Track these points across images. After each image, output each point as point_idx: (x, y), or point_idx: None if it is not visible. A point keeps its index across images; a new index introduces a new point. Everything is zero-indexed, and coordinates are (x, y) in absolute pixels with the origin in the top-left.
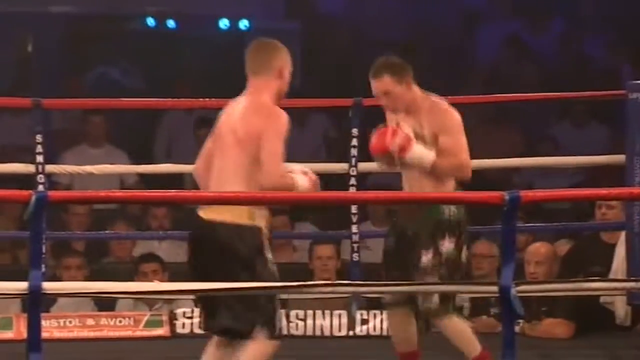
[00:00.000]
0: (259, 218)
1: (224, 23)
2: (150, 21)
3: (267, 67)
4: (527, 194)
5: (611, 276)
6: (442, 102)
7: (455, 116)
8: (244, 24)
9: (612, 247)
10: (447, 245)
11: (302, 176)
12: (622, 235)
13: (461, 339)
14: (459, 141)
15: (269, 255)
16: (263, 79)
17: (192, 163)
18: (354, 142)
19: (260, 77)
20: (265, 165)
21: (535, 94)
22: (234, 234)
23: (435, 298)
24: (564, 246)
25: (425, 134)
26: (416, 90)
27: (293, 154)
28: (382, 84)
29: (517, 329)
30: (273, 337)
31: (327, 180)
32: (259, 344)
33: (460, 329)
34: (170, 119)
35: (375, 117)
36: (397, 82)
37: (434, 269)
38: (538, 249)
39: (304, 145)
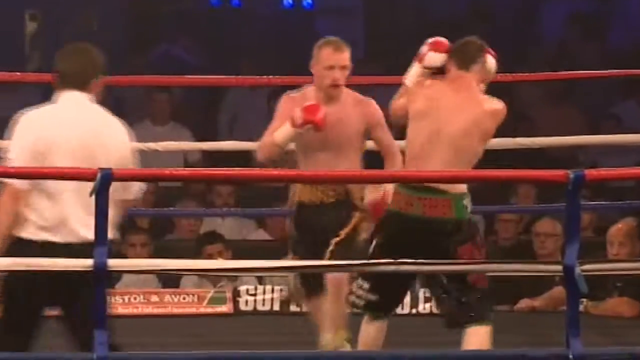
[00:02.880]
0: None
1: (287, 1)
2: None
3: None
4: (591, 173)
5: None
6: None
7: None
8: (307, 1)
9: None
10: None
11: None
12: None
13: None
14: None
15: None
16: None
17: (256, 139)
18: None
19: None
20: None
21: (600, 71)
22: None
23: None
24: (629, 224)
25: None
26: None
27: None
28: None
29: (580, 307)
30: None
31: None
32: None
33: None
34: (234, 96)
35: None
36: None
37: None
38: (620, 229)
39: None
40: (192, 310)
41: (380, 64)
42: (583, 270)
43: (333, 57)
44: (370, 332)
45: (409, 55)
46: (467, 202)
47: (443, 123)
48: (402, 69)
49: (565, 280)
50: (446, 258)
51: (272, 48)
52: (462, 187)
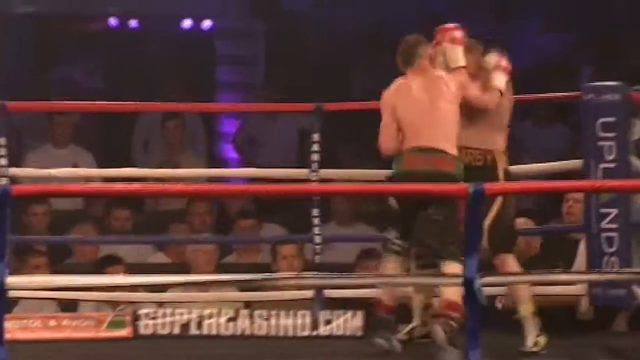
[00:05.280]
0: None
1: (186, 23)
2: (113, 21)
3: None
4: (491, 187)
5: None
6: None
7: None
8: (207, 24)
9: (576, 243)
10: None
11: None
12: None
13: None
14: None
15: None
16: None
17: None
18: (315, 147)
19: None
20: None
21: None
22: None
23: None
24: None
25: None
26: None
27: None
28: None
29: None
30: None
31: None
32: None
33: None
34: (148, 116)
35: (336, 122)
36: None
37: None
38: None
39: (277, 138)
40: (91, 334)
41: (282, 87)
42: (483, 283)
43: None
44: (394, 264)
45: (310, 77)
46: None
47: None
48: (304, 92)
49: (464, 292)
50: (443, 206)
51: (172, 70)
52: (456, 153)
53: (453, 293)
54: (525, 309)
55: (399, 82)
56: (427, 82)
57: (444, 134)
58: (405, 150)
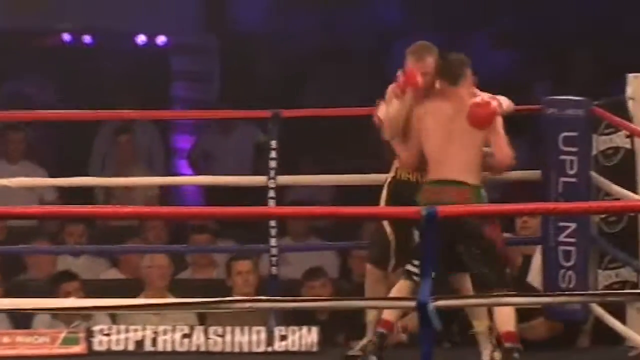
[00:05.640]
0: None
1: (141, 39)
2: (67, 37)
3: None
4: (444, 209)
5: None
6: None
7: None
8: (161, 39)
9: (528, 258)
10: None
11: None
12: (538, 247)
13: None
14: None
15: None
16: None
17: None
18: (273, 154)
19: None
20: None
21: None
22: None
23: None
24: None
25: None
26: None
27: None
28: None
29: None
30: None
31: (247, 194)
32: None
33: None
34: (107, 130)
35: (294, 129)
36: None
37: None
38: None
39: (231, 154)
40: (45, 351)
41: (237, 103)
42: (437, 306)
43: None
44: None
45: (264, 92)
46: (484, 192)
47: None
48: (259, 108)
49: (418, 316)
50: (473, 239)
51: (126, 86)
52: (478, 180)
53: (507, 323)
54: (481, 325)
55: (431, 101)
56: (459, 105)
57: (465, 163)
58: (426, 182)
